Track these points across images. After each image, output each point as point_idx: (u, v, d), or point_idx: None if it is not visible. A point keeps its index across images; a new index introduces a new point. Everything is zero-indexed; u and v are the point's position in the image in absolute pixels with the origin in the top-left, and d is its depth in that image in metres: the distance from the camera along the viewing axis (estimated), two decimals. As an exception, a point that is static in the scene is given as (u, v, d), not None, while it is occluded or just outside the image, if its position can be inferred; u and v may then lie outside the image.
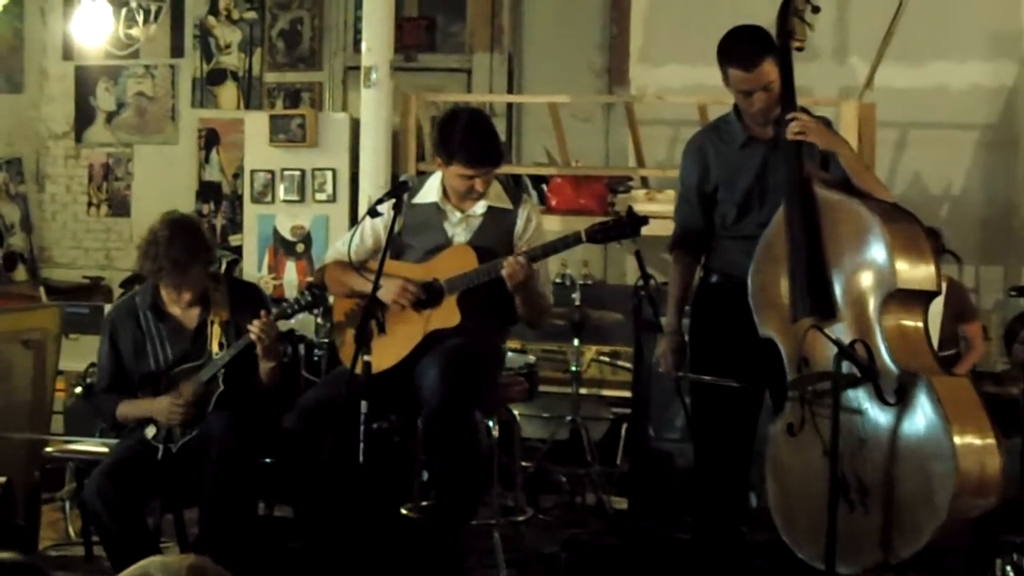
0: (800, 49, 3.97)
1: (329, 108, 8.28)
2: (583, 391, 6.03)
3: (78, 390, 5.86)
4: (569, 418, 5.87)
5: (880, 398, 3.55)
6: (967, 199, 7.13)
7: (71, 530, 5.30)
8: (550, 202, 6.87)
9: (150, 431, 4.39)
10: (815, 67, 6.64)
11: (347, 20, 8.39)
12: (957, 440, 3.43)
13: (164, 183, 8.63)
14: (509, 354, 4.87)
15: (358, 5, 7.62)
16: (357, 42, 7.76)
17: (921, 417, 3.49)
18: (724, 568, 4.19)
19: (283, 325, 4.57)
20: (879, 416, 3.57)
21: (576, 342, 5.82)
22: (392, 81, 6.59)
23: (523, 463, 5.34)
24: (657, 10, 7.62)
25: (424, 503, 4.84)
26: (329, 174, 7.34)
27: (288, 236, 7.46)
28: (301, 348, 6.01)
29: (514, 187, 4.87)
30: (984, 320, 6.52)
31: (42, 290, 8.24)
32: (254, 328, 4.28)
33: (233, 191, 8.52)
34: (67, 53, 8.85)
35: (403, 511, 4.79)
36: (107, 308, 5.88)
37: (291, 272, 7.45)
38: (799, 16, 3.96)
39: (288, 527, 4.87)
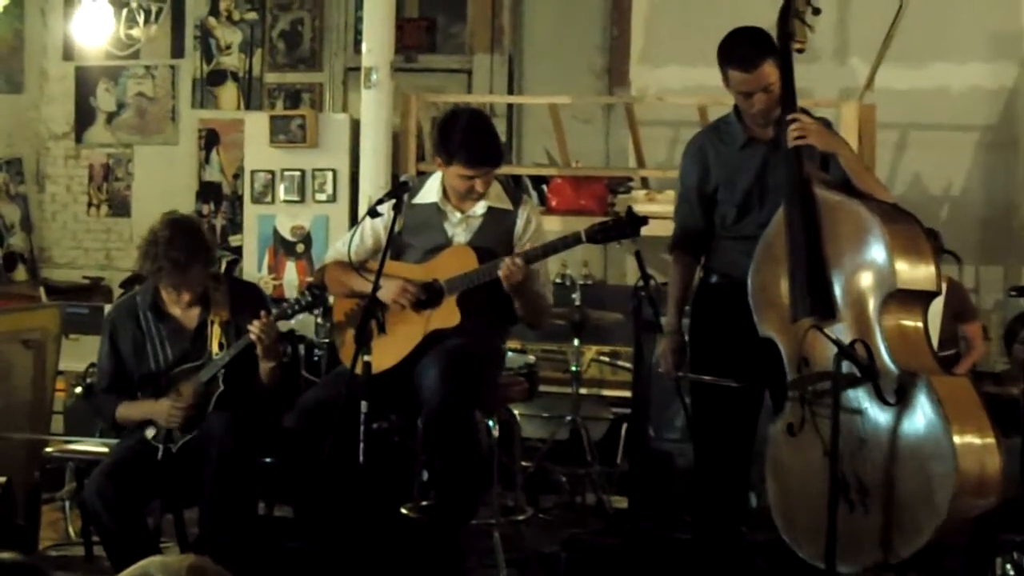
0: (800, 50, 3.98)
1: (329, 109, 8.29)
2: (583, 391, 6.03)
3: (78, 390, 5.86)
4: (569, 418, 5.87)
5: (880, 398, 3.55)
6: (967, 200, 7.14)
7: (71, 530, 5.30)
8: (550, 203, 6.87)
9: (150, 431, 4.39)
10: (815, 68, 6.64)
11: (347, 21, 8.40)
12: (957, 440, 3.43)
13: (164, 183, 8.64)
14: (509, 354, 4.87)
15: (358, 6, 7.62)
16: (357, 43, 7.77)
17: (921, 417, 3.50)
18: (724, 568, 4.19)
19: (283, 325, 4.57)
20: (879, 416, 3.57)
21: (576, 342, 5.82)
22: (392, 82, 6.59)
23: (523, 463, 5.34)
24: (657, 11, 7.62)
25: (424, 503, 4.85)
26: (329, 174, 7.34)
27: (288, 236, 7.46)
28: (301, 348, 6.02)
29: (514, 188, 4.87)
30: (984, 320, 6.53)
31: (42, 290, 8.24)
32: (254, 328, 4.28)
33: (233, 191, 8.52)
34: (67, 53, 8.85)
35: (403, 511, 4.79)
36: (107, 308, 5.88)
37: (291, 272, 7.46)
38: (799, 17, 3.96)
39: (288, 527, 4.87)
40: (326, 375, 5.56)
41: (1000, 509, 3.55)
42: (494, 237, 4.46)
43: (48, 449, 5.15)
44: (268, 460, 4.60)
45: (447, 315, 4.34)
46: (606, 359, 6.44)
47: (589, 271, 7.19)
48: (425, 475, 4.91)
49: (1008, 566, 3.95)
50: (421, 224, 4.49)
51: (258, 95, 8.59)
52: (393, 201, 4.23)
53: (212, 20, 8.68)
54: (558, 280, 6.51)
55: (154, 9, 8.72)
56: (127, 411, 4.45)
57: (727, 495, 4.18)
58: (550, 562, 4.92)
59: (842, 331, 3.66)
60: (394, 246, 4.33)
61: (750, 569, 4.37)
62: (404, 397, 4.34)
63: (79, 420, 5.79)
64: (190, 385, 4.38)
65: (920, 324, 3.72)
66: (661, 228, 4.62)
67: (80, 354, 5.80)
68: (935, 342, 3.92)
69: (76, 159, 8.95)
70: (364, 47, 6.61)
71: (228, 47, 8.65)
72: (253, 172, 7.50)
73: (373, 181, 6.59)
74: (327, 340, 5.73)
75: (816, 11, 4.01)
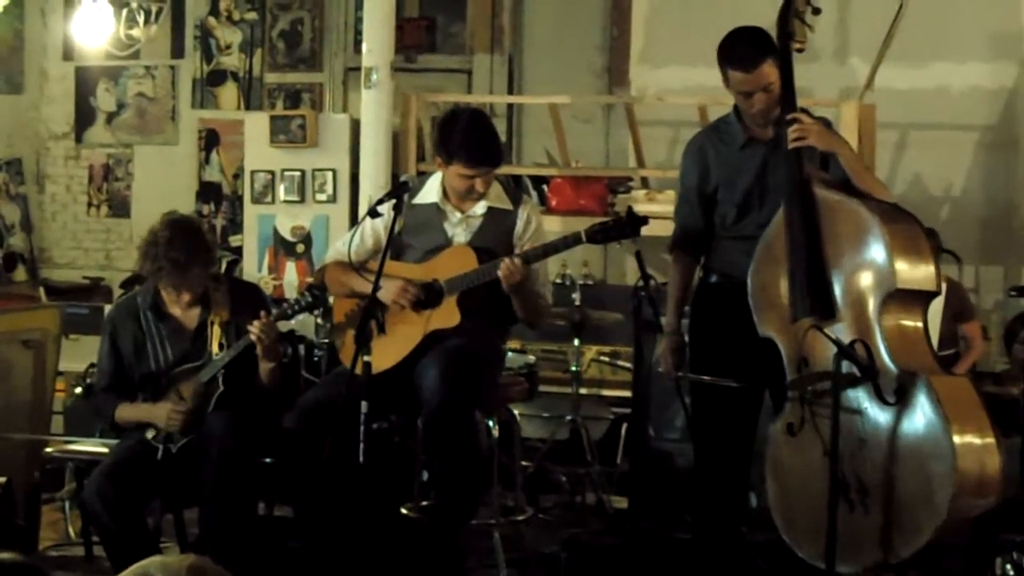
0: (800, 50, 3.98)
1: (329, 109, 8.28)
2: (583, 391, 6.03)
3: (78, 390, 5.86)
4: (569, 418, 5.88)
5: (880, 398, 3.55)
6: (967, 199, 7.14)
7: (71, 530, 5.30)
8: (550, 202, 6.87)
9: (150, 432, 4.39)
10: (815, 68, 6.64)
11: (347, 21, 8.39)
12: (957, 440, 3.43)
13: (164, 184, 8.63)
14: (509, 354, 4.87)
15: (358, 6, 7.62)
16: (357, 43, 7.77)
17: (921, 417, 3.50)
18: (724, 568, 4.19)
19: (283, 325, 4.57)
20: (879, 416, 3.57)
21: (576, 342, 5.82)
22: (392, 82, 6.59)
23: (523, 463, 5.34)
24: (657, 11, 7.62)
25: (424, 503, 4.85)
26: (329, 175, 7.34)
27: (288, 236, 7.46)
28: (301, 348, 6.02)
29: (514, 188, 4.87)
30: (984, 320, 6.53)
31: (42, 290, 8.24)
32: (254, 329, 4.28)
33: (233, 191, 8.52)
34: (67, 54, 8.85)
35: (403, 511, 4.79)
36: (107, 308, 5.88)
37: (291, 272, 7.46)
38: (799, 17, 3.96)
39: (288, 527, 4.87)
40: (326, 375, 5.56)
41: (1000, 509, 3.56)
42: (494, 237, 4.46)
43: (48, 449, 5.15)
44: (268, 460, 4.60)
45: (447, 315, 4.34)
46: (606, 359, 6.44)
47: (589, 271, 7.19)
48: (425, 475, 4.91)
49: (1008, 566, 3.95)
50: (421, 224, 4.49)
51: (258, 95, 8.58)
52: (393, 201, 4.23)
53: (212, 20, 8.68)
54: (558, 280, 6.51)
55: (154, 9, 8.72)
56: (126, 413, 4.45)
57: (727, 495, 4.18)
58: (550, 562, 4.92)
59: (842, 331, 3.66)
60: (394, 246, 4.33)
61: (750, 569, 4.38)
62: (404, 397, 4.34)
63: (79, 420, 5.79)
64: (190, 385, 4.38)
65: (920, 324, 3.72)
66: (661, 228, 4.62)
67: (80, 354, 5.80)
68: (935, 342, 3.92)
69: (76, 159, 8.95)
70: (364, 47, 6.61)
71: (228, 47, 8.65)
72: (253, 172, 7.49)
73: (373, 181, 6.59)
74: (327, 340, 5.73)
75: (816, 11, 4.01)
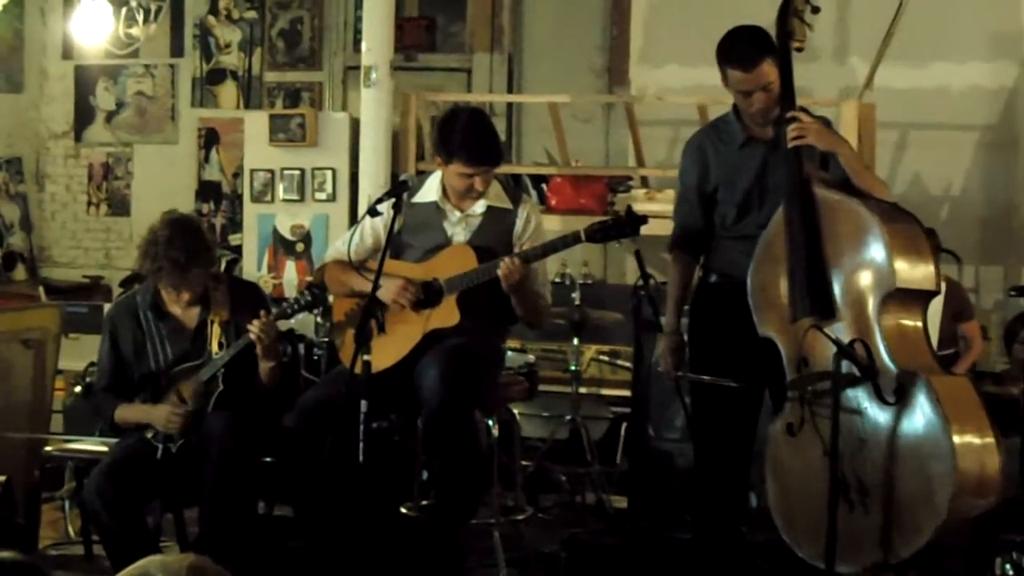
0: (800, 50, 3.98)
1: (329, 108, 8.28)
2: (583, 390, 6.03)
3: (78, 389, 5.86)
4: (569, 417, 5.87)
5: (879, 398, 3.55)
6: (967, 199, 7.14)
7: (71, 529, 5.30)
8: (550, 202, 6.87)
9: (150, 431, 4.39)
10: (815, 67, 6.63)
11: (347, 20, 8.39)
12: (956, 439, 3.43)
13: (164, 183, 8.63)
14: (509, 353, 4.87)
15: (358, 5, 7.62)
16: (357, 42, 7.77)
17: (920, 417, 3.50)
18: (724, 568, 4.19)
19: (283, 325, 4.57)
20: (878, 416, 3.57)
21: (576, 342, 5.82)
22: (392, 81, 6.59)
23: (523, 462, 5.34)
24: (657, 11, 7.62)
25: (424, 502, 4.85)
26: (329, 173, 7.34)
27: (288, 235, 7.46)
28: (301, 348, 6.02)
29: (514, 187, 4.87)
30: (984, 320, 6.52)
31: (42, 289, 8.24)
32: (254, 328, 4.28)
33: (233, 190, 8.52)
34: (67, 53, 8.85)
35: (403, 510, 4.79)
36: (107, 307, 5.88)
37: (291, 271, 7.45)
38: (799, 16, 3.96)
39: (288, 527, 4.87)
40: (326, 375, 5.56)
41: (1000, 509, 3.55)
42: (494, 236, 4.46)
43: (48, 448, 5.15)
44: (268, 460, 4.60)
45: (447, 314, 4.34)
46: (606, 358, 6.44)
47: (589, 270, 7.19)
48: (425, 475, 4.91)
49: (1008, 566, 3.95)
50: (421, 223, 4.49)
51: (258, 94, 8.58)
52: (393, 200, 4.23)
53: (211, 19, 8.67)
54: (558, 279, 6.51)
55: (153, 8, 8.72)
56: (125, 414, 4.44)
57: (727, 495, 4.18)
58: (550, 562, 4.92)
59: (841, 331, 3.65)
60: (394, 245, 4.33)
61: (750, 569, 4.37)
62: (404, 397, 4.34)
63: (79, 419, 5.79)
64: (190, 385, 4.38)
65: (919, 323, 3.72)
66: (661, 227, 4.61)
67: (80, 353, 5.81)
68: (935, 342, 3.92)
69: (76, 158, 8.95)
70: (364, 46, 6.61)
71: (227, 46, 8.65)
72: (253, 171, 7.49)
73: (373, 180, 6.59)
74: (327, 340, 5.73)
75: (815, 10, 4.01)
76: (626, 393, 6.03)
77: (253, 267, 7.52)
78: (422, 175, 4.86)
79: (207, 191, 8.66)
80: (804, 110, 3.98)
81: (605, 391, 6.42)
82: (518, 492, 5.21)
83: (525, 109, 7.99)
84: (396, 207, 4.23)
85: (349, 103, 8.14)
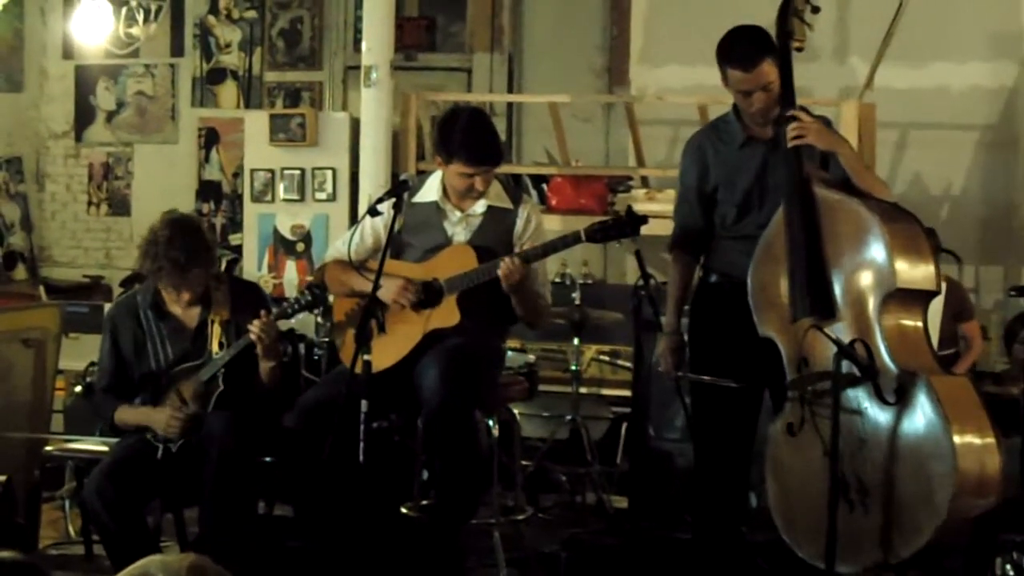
0: (800, 49, 3.98)
1: (329, 107, 8.28)
2: (583, 390, 6.03)
3: (78, 389, 5.87)
4: (569, 417, 5.88)
5: (880, 398, 3.55)
6: (967, 199, 7.14)
7: (71, 529, 5.31)
8: (550, 202, 6.87)
9: (150, 431, 4.38)
10: (815, 67, 6.64)
11: (347, 19, 8.39)
12: (957, 439, 3.43)
13: (164, 182, 8.63)
14: (509, 353, 4.87)
15: (358, 5, 7.62)
16: (357, 41, 7.77)
17: (921, 417, 3.50)
18: (724, 568, 4.19)
19: (283, 324, 4.57)
20: (879, 416, 3.57)
21: (576, 341, 5.82)
22: (392, 80, 6.59)
23: (523, 462, 5.34)
24: (657, 10, 7.62)
25: (424, 502, 4.85)
26: (329, 173, 7.34)
27: (288, 235, 7.47)
28: (301, 347, 6.02)
29: (514, 187, 4.87)
30: (984, 320, 6.52)
31: (42, 289, 8.24)
32: (254, 328, 4.28)
33: (233, 190, 8.52)
34: (67, 52, 8.85)
35: (403, 510, 4.79)
36: (107, 307, 5.88)
37: (291, 271, 7.46)
38: (799, 16, 3.96)
39: (288, 526, 4.87)
40: (326, 374, 5.56)
41: (1000, 509, 3.55)
42: (494, 236, 4.46)
43: (48, 448, 5.15)
44: (268, 459, 4.60)
45: (447, 314, 4.34)
46: (606, 358, 6.44)
47: (589, 270, 7.19)
48: (425, 475, 4.91)
49: (1008, 566, 3.95)
50: (421, 223, 4.49)
51: (258, 94, 8.58)
52: (393, 200, 4.23)
53: (211, 19, 8.67)
54: (558, 279, 6.51)
55: (153, 8, 8.72)
56: (126, 415, 4.44)
57: (727, 495, 4.18)
58: (550, 562, 4.92)
59: (842, 331, 3.65)
60: (394, 245, 4.33)
61: (750, 569, 4.37)
62: (404, 396, 4.34)
63: (79, 419, 5.79)
64: (190, 384, 4.38)
65: (920, 323, 3.72)
66: (661, 227, 4.61)
67: (80, 353, 5.81)
68: (935, 342, 3.92)
69: (76, 158, 8.95)
70: (364, 46, 6.61)
71: (228, 46, 8.65)
72: (253, 171, 7.50)
73: (373, 180, 6.59)
74: (327, 339, 5.73)
75: (815, 10, 4.01)
76: (626, 393, 6.03)
77: (253, 267, 7.52)
78: (422, 175, 4.86)
79: (207, 191, 8.66)
80: (804, 110, 3.98)
81: (605, 391, 6.42)
82: (518, 492, 5.21)
83: (525, 109, 7.99)
84: (396, 207, 4.23)
85: (349, 103, 8.14)
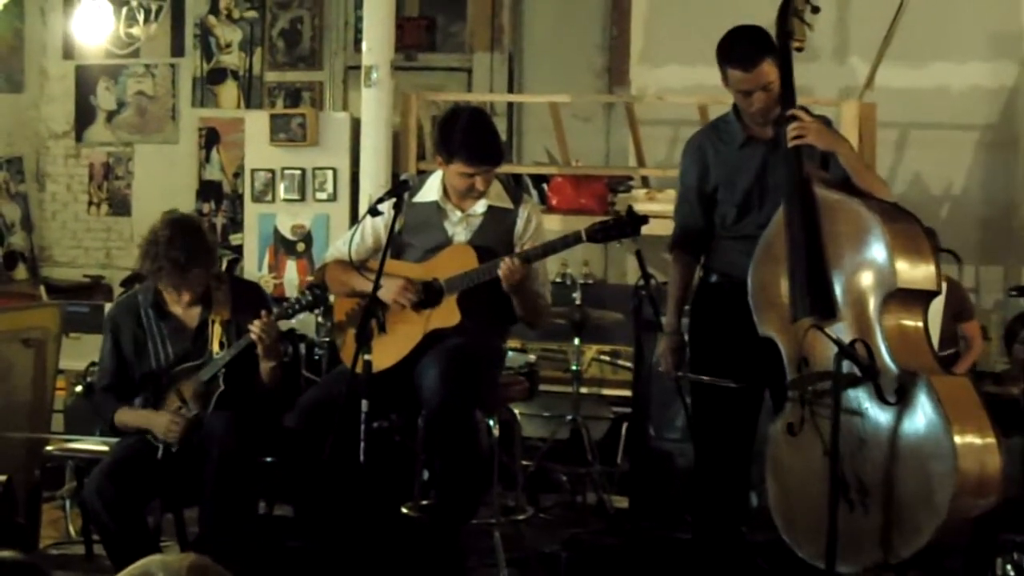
0: (800, 49, 3.98)
1: (329, 107, 8.29)
2: (583, 390, 6.03)
3: (78, 389, 5.87)
4: (569, 417, 5.87)
5: (880, 398, 3.55)
6: (967, 199, 7.14)
7: (71, 529, 5.31)
8: (550, 202, 6.87)
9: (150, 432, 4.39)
10: (815, 67, 6.64)
11: (347, 20, 8.40)
12: (957, 440, 3.43)
13: (164, 182, 8.64)
14: (509, 353, 4.87)
15: (358, 5, 7.62)
16: (357, 41, 7.77)
17: (921, 417, 3.50)
18: (724, 568, 4.19)
19: (284, 324, 4.57)
20: (879, 416, 3.57)
21: (576, 341, 5.82)
22: (392, 80, 6.59)
23: (523, 462, 5.34)
24: (657, 11, 7.62)
25: (424, 502, 4.85)
26: (329, 173, 7.34)
27: (288, 235, 7.47)
28: (302, 347, 6.02)
29: (515, 186, 4.87)
30: (984, 320, 6.52)
31: (42, 289, 8.25)
32: (255, 328, 4.28)
33: (233, 190, 8.52)
34: (67, 52, 8.85)
35: (403, 510, 4.79)
36: (107, 307, 5.88)
37: (291, 271, 7.46)
38: (799, 16, 3.96)
39: (288, 526, 4.87)
40: (326, 374, 5.56)
41: (1000, 509, 3.55)
42: (494, 236, 4.46)
43: (48, 448, 5.15)
44: (268, 459, 4.60)
45: (447, 314, 4.34)
46: (606, 358, 6.44)
47: (589, 270, 7.19)
48: (425, 475, 4.91)
49: (1008, 566, 3.95)
50: (421, 223, 4.49)
51: (258, 94, 8.59)
52: (393, 200, 4.23)
53: (212, 19, 8.67)
54: (558, 279, 6.51)
55: (154, 8, 8.72)
56: (126, 417, 4.43)
57: (727, 495, 4.18)
58: (550, 562, 4.92)
59: (842, 331, 3.65)
60: (394, 245, 4.33)
61: (750, 569, 4.37)
62: (404, 396, 4.34)
63: (79, 419, 5.79)
64: (190, 384, 4.38)
65: (920, 324, 3.72)
66: (661, 227, 4.61)
67: (80, 353, 5.81)
68: (935, 342, 3.92)
69: (76, 158, 8.95)
70: (364, 46, 6.61)
71: (228, 46, 8.65)
72: (253, 171, 7.50)
73: (373, 180, 6.59)
74: (328, 339, 5.73)
75: (815, 9, 4.01)
76: (627, 393, 6.03)
77: (254, 267, 7.53)
78: (423, 175, 4.86)
79: (208, 191, 8.66)
80: (804, 109, 3.98)
81: (606, 391, 6.42)
82: (519, 492, 5.21)
83: (525, 109, 7.99)
84: (397, 207, 4.23)
85: (350, 103, 8.15)
